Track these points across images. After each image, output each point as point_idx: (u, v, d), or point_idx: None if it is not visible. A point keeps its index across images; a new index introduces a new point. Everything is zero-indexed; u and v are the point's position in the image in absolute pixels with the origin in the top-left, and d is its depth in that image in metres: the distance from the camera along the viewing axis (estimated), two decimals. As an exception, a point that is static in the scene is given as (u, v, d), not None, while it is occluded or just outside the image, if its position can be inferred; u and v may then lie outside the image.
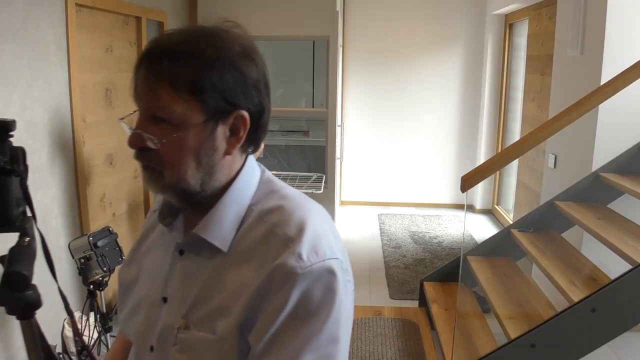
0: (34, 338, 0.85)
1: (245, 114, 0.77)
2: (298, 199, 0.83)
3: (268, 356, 0.73)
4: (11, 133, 0.84)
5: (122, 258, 2.39)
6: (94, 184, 2.91)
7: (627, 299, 2.23)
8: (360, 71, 5.81)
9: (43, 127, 2.39)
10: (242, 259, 0.78)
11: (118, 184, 3.22)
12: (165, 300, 0.84)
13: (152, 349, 0.85)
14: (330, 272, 0.75)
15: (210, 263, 0.80)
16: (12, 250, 0.82)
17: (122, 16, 3.19)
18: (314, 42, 5.48)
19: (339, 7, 4.41)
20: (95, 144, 2.92)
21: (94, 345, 2.38)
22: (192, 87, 0.73)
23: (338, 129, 4.55)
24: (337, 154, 4.58)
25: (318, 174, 4.49)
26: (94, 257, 2.26)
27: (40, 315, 0.93)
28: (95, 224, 2.87)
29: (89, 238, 2.28)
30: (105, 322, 2.42)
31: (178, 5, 4.04)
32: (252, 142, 0.82)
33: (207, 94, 0.73)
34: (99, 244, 2.30)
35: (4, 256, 0.85)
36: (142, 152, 0.76)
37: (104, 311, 2.43)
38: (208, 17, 4.19)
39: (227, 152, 0.79)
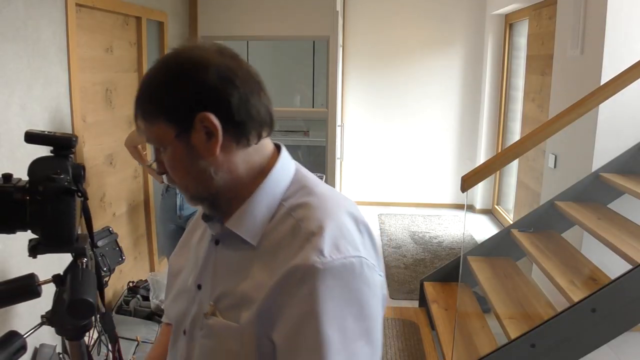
0: (82, 357, 0.84)
1: (207, 114, 0.77)
2: (327, 194, 0.84)
3: (292, 353, 0.75)
4: (73, 149, 0.83)
5: (122, 258, 2.39)
6: (94, 184, 2.91)
7: (627, 299, 2.23)
8: (360, 71, 5.81)
9: (43, 127, 2.38)
10: (269, 252, 0.80)
11: (118, 184, 3.22)
12: (199, 287, 0.88)
13: (184, 332, 0.89)
14: (351, 269, 0.76)
15: (240, 254, 0.84)
16: (73, 273, 0.80)
17: (122, 16, 3.19)
18: (314, 42, 5.48)
19: (339, 7, 4.41)
20: (95, 144, 2.92)
21: (94, 345, 2.38)
22: (155, 110, 0.80)
23: (338, 129, 4.54)
24: (337, 154, 4.58)
25: (318, 174, 4.47)
26: (94, 257, 2.26)
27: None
28: (96, 224, 2.85)
29: (89, 238, 2.27)
30: (105, 322, 2.42)
31: (178, 5, 4.04)
32: (241, 134, 0.80)
33: (166, 111, 0.79)
34: (99, 244, 2.30)
35: (58, 275, 0.83)
36: (167, 177, 0.85)
37: (104, 311, 2.43)
38: (208, 17, 4.19)
39: (211, 154, 0.79)
